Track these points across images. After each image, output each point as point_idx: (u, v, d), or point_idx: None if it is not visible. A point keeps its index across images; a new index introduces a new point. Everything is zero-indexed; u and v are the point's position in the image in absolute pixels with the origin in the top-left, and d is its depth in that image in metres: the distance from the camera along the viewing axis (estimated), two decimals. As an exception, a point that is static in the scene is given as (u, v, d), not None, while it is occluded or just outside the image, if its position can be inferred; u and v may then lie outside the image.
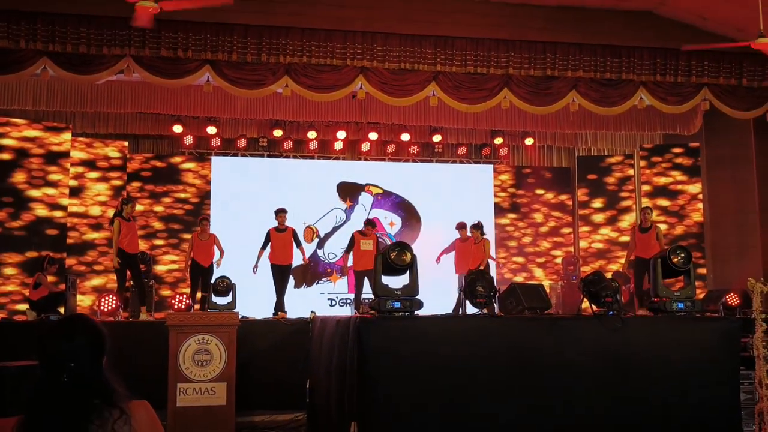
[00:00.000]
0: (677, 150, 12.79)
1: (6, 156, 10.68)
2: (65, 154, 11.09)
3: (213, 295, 8.32)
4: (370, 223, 10.55)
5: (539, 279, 13.15)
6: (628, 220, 12.99)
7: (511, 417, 4.93)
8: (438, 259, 11.23)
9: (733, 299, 10.01)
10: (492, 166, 13.86)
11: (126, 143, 12.28)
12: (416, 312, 5.14)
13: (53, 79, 9.81)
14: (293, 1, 9.41)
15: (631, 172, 13.42)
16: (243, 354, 7.24)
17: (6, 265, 10.39)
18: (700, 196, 12.53)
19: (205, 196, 12.65)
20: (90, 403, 2.05)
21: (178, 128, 12.30)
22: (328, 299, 12.85)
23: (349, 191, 13.36)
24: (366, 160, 13.51)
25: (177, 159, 12.69)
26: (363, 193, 13.43)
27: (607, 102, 10.31)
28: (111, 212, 11.59)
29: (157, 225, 12.33)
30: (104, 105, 11.06)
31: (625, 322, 5.30)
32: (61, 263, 10.57)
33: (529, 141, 13.52)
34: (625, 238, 12.12)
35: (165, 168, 12.57)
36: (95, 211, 11.77)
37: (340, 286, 13.00)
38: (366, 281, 9.91)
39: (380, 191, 13.49)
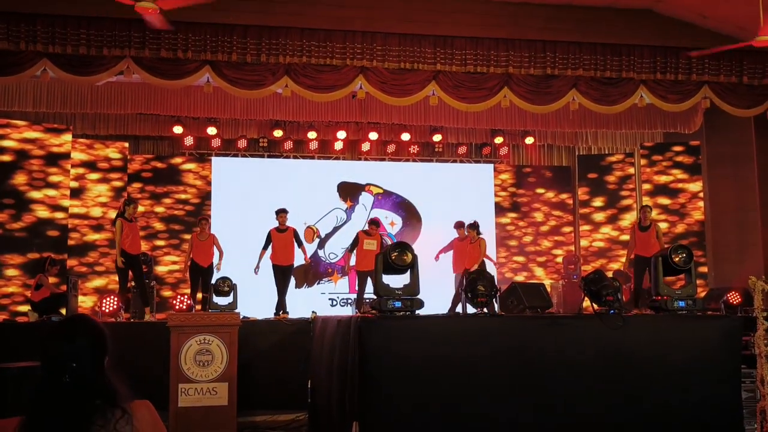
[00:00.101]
0: (678, 148, 12.79)
1: (6, 158, 10.68)
2: (66, 156, 11.10)
3: (214, 296, 8.32)
4: (374, 223, 10.55)
5: (540, 278, 13.15)
6: (628, 219, 12.98)
7: (513, 416, 4.92)
8: (437, 257, 11.23)
9: (734, 297, 10.00)
10: (492, 165, 13.86)
11: (126, 144, 12.28)
12: (417, 311, 5.14)
13: (53, 80, 9.81)
14: (292, 1, 9.41)
15: (631, 170, 13.42)
16: (244, 354, 7.24)
17: (7, 266, 10.39)
18: (701, 195, 12.52)
19: (205, 196, 12.66)
20: (92, 403, 2.05)
21: (178, 129, 12.31)
22: (329, 299, 12.86)
23: (349, 191, 13.37)
24: (366, 160, 13.51)
25: (177, 160, 12.70)
26: (363, 193, 13.43)
27: (607, 100, 10.30)
28: (112, 213, 11.63)
29: (158, 226, 12.34)
30: (104, 106, 11.08)
31: (627, 320, 5.30)
32: (62, 264, 10.58)
33: (529, 140, 13.53)
34: (626, 237, 12.12)
35: (165, 169, 12.58)
36: (96, 212, 11.78)
37: (341, 286, 13.01)
38: (369, 281, 9.91)
39: (381, 191, 13.49)
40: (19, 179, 10.69)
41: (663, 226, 12.31)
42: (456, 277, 10.95)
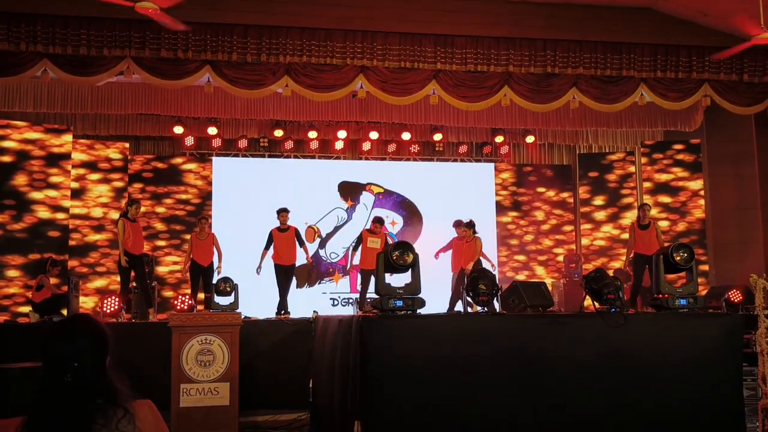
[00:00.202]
0: (678, 146, 12.79)
1: (7, 158, 10.69)
2: (66, 156, 11.11)
3: (215, 296, 8.33)
4: (378, 221, 10.53)
5: (541, 277, 13.15)
6: (629, 218, 12.97)
7: (514, 415, 4.92)
8: (436, 255, 11.20)
9: (735, 295, 9.99)
10: (493, 164, 13.86)
11: (127, 144, 12.28)
12: (418, 310, 5.14)
13: (54, 81, 9.82)
14: (293, 0, 9.41)
15: (632, 169, 13.41)
16: (246, 354, 7.24)
17: (9, 267, 10.41)
18: (702, 193, 12.52)
19: (206, 196, 12.66)
20: (93, 402, 2.05)
21: (178, 129, 12.31)
22: (331, 299, 12.85)
23: (350, 191, 13.36)
24: (367, 159, 13.51)
25: (178, 160, 12.70)
26: (364, 192, 13.43)
27: (607, 99, 10.30)
28: (113, 214, 11.66)
29: (159, 226, 12.34)
30: (105, 107, 11.07)
31: (628, 319, 5.29)
32: (63, 265, 10.59)
33: (530, 139, 13.53)
34: (627, 236, 12.10)
35: (166, 169, 12.58)
36: (97, 212, 11.78)
37: (342, 285, 13.01)
38: (372, 279, 9.91)
39: (381, 190, 13.49)
40: (20, 180, 10.71)
41: (664, 224, 12.33)
42: (453, 276, 10.93)
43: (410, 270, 5.26)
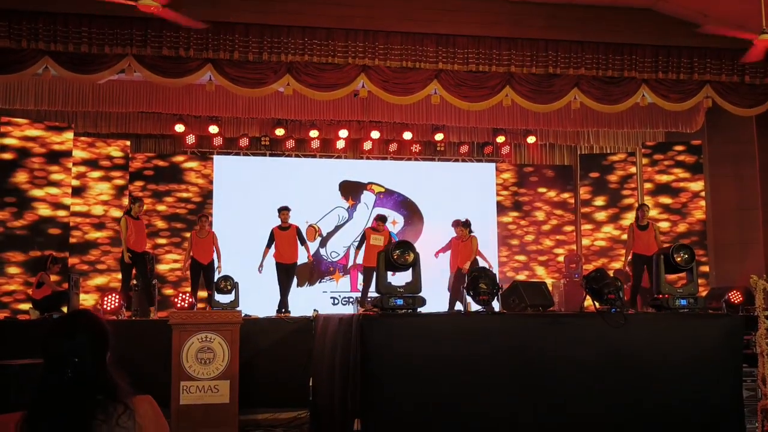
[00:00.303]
0: (679, 147, 12.79)
1: (8, 156, 10.70)
2: (67, 154, 11.11)
3: (216, 294, 8.33)
4: (381, 218, 10.52)
5: (541, 277, 13.14)
6: (630, 218, 12.94)
7: (514, 414, 4.92)
8: (436, 255, 11.18)
9: (735, 296, 9.99)
10: (494, 164, 13.86)
11: (128, 142, 12.28)
12: (419, 309, 5.14)
13: (55, 78, 9.83)
14: (294, -1, 9.43)
15: (633, 169, 13.41)
16: (246, 352, 7.25)
17: (9, 264, 10.41)
18: (703, 194, 12.52)
19: (207, 195, 12.66)
20: (93, 398, 2.05)
21: (180, 127, 12.32)
22: (331, 298, 12.86)
23: (351, 190, 13.37)
24: (368, 158, 13.52)
25: (179, 158, 12.70)
26: (365, 191, 13.43)
27: (609, 99, 10.31)
28: (113, 211, 11.68)
29: (160, 224, 12.34)
30: (106, 104, 11.07)
31: (628, 319, 5.29)
32: (64, 262, 10.59)
33: (531, 139, 13.54)
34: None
35: (167, 167, 12.58)
36: (98, 210, 11.78)
37: (343, 284, 13.02)
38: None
39: (382, 190, 13.49)
40: (21, 177, 10.71)
41: (664, 225, 12.33)
42: (450, 276, 10.92)
43: (411, 269, 5.26)
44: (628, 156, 13.49)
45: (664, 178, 12.73)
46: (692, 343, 5.38)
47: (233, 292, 8.21)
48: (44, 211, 10.77)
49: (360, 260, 10.44)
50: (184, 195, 12.55)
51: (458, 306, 10.36)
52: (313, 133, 12.83)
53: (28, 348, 6.12)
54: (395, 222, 13.38)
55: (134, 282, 9.98)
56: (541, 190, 13.78)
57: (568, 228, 13.76)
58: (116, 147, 12.10)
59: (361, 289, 10.70)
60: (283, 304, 10.01)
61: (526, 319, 5.45)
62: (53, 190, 10.88)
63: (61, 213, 10.92)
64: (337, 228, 13.21)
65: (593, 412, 5.07)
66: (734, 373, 5.45)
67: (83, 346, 2.10)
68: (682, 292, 5.68)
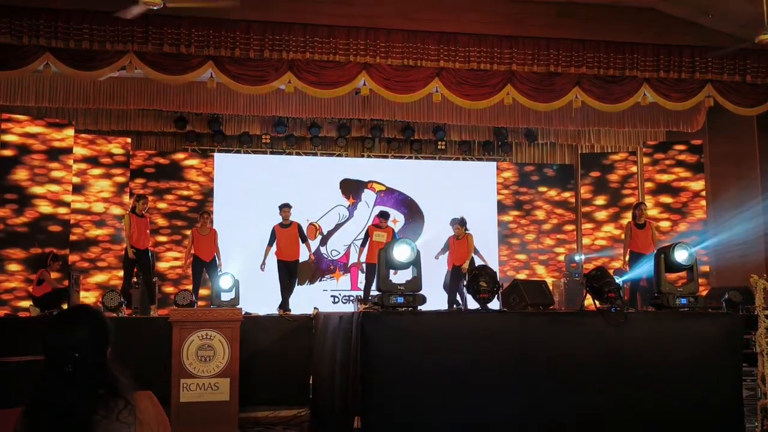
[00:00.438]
0: (680, 147, 12.77)
1: (8, 152, 10.69)
2: (68, 151, 11.10)
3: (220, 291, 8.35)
4: (383, 215, 10.50)
5: (542, 276, 13.14)
6: (631, 218, 12.96)
7: (515, 411, 4.92)
8: (437, 257, 11.13)
9: (735, 295, 9.98)
10: (495, 163, 13.84)
11: (129, 140, 12.27)
12: (419, 307, 5.14)
13: (56, 75, 9.83)
14: (295, -3, 9.43)
15: (634, 169, 13.40)
16: (246, 350, 7.26)
17: (10, 261, 10.41)
18: (704, 193, 12.51)
19: (208, 193, 12.65)
20: (94, 393, 2.05)
21: (180, 125, 12.30)
22: (331, 296, 12.85)
23: (352, 188, 13.36)
24: (369, 157, 13.52)
25: (180, 156, 12.69)
26: (366, 190, 13.43)
27: (610, 99, 10.30)
28: (114, 209, 11.68)
29: (161, 222, 12.32)
30: (107, 101, 11.05)
31: (628, 317, 5.29)
32: (64, 260, 10.58)
33: (532, 138, 13.52)
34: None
35: (168, 165, 12.58)
36: (98, 207, 11.77)
37: (343, 282, 13.01)
38: None
39: (383, 188, 13.49)
40: (22, 174, 10.70)
41: (665, 224, 12.33)
42: (446, 273, 10.90)
43: (412, 267, 5.27)
44: (629, 155, 13.49)
45: (664, 178, 12.72)
46: (692, 342, 5.38)
47: (234, 289, 8.23)
48: (45, 208, 10.76)
49: (364, 258, 10.41)
50: (185, 192, 12.54)
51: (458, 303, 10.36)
52: (314, 131, 12.83)
53: (29, 345, 6.12)
54: (396, 221, 13.37)
55: (134, 280, 9.97)
56: (542, 189, 13.77)
57: (569, 227, 13.76)
58: (117, 144, 12.10)
59: (362, 287, 10.69)
60: (284, 305, 9.95)
61: (527, 317, 5.45)
62: (54, 188, 10.88)
63: (62, 210, 10.92)
64: (338, 226, 13.21)
65: (594, 409, 5.07)
66: (734, 372, 5.46)
67: (84, 340, 2.10)
68: (683, 291, 5.68)
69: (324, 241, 13.07)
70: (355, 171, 13.40)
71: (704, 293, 10.45)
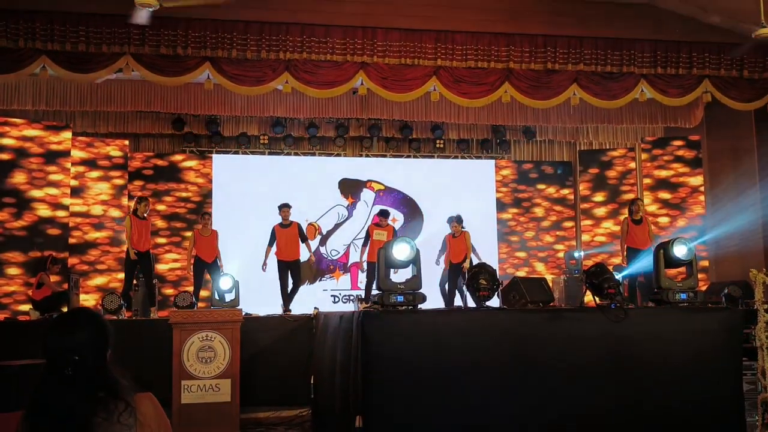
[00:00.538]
0: (678, 143, 12.77)
1: (6, 156, 10.67)
2: (65, 154, 11.09)
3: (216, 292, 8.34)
4: (383, 213, 10.49)
5: (541, 273, 13.14)
6: (627, 214, 12.95)
7: (516, 410, 4.92)
8: (437, 261, 11.11)
9: (735, 290, 9.99)
10: (493, 161, 13.84)
11: (127, 142, 12.26)
12: (419, 306, 5.14)
13: (52, 78, 9.81)
14: (292, -3, 9.43)
15: (632, 165, 13.40)
16: (247, 351, 7.25)
17: (9, 265, 10.39)
18: (702, 188, 12.52)
19: (206, 194, 12.64)
20: (95, 396, 2.05)
21: (178, 126, 12.29)
22: (331, 296, 12.85)
23: (350, 188, 13.36)
24: (367, 156, 13.52)
25: (178, 157, 12.68)
26: (365, 189, 13.42)
27: (608, 95, 10.30)
28: (113, 211, 11.67)
29: (160, 223, 12.30)
30: (104, 104, 11.06)
31: (628, 313, 5.29)
32: (63, 263, 10.58)
33: (530, 135, 13.52)
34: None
35: (166, 166, 12.57)
36: (97, 210, 11.76)
37: (343, 282, 13.01)
38: None
39: (382, 187, 13.48)
40: (19, 178, 10.69)
41: (664, 220, 12.34)
42: (443, 272, 10.89)
43: (411, 265, 5.26)
44: (627, 151, 13.49)
45: (663, 174, 12.73)
46: (692, 336, 5.37)
47: (234, 290, 8.22)
48: (43, 211, 10.75)
49: (366, 258, 10.40)
50: (184, 194, 12.53)
51: (457, 301, 10.36)
52: (312, 131, 12.82)
53: (29, 348, 6.13)
54: (395, 220, 13.37)
55: (134, 282, 9.96)
56: (541, 186, 13.77)
57: (568, 224, 13.76)
58: (115, 146, 12.09)
59: (363, 287, 10.69)
60: (286, 304, 9.92)
61: (527, 315, 5.44)
62: (52, 191, 10.87)
63: (61, 213, 10.90)
64: (337, 226, 13.20)
65: (594, 405, 5.07)
66: (734, 366, 5.45)
67: (84, 342, 2.10)
68: (682, 286, 5.68)
69: (323, 241, 13.07)
70: (354, 170, 13.39)
71: (704, 288, 10.47)
